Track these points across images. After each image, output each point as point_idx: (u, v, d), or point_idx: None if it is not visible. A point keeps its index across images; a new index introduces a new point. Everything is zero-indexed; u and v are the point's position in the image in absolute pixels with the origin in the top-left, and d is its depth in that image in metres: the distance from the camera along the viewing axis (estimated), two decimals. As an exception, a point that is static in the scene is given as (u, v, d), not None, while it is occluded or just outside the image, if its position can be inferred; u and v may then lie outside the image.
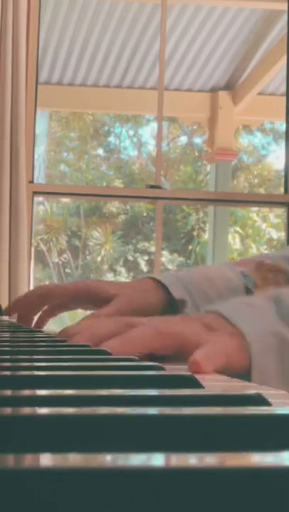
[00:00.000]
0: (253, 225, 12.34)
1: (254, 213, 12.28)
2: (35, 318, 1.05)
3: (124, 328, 0.68)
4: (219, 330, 0.68)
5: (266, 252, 11.57)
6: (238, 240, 12.16)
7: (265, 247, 12.07)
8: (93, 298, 0.96)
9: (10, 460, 0.20)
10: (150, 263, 11.55)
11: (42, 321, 1.04)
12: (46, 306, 1.03)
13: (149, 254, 11.81)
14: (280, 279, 0.96)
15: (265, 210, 11.91)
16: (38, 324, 1.03)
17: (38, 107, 4.29)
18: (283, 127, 4.71)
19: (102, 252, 12.01)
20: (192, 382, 0.39)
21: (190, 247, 12.16)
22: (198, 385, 0.39)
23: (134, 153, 12.91)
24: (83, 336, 0.69)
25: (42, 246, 11.88)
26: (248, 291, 0.95)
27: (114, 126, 12.79)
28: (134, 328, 0.67)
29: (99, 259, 12.09)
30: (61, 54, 6.44)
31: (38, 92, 4.19)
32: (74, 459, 0.21)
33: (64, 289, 1.00)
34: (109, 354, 0.55)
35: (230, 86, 7.04)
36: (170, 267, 12.00)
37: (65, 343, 0.66)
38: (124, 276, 12.03)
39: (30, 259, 4.09)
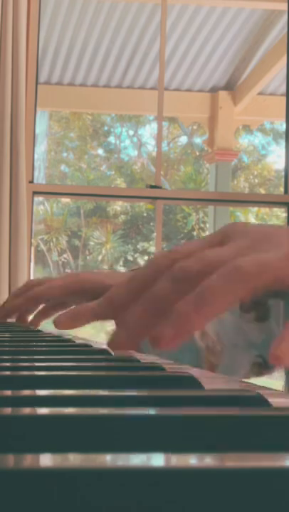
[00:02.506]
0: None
1: (254, 214, 12.28)
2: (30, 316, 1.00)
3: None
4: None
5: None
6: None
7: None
8: (89, 292, 0.90)
9: (10, 460, 0.20)
10: (150, 263, 11.54)
11: (37, 322, 0.99)
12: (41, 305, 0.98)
13: (149, 254, 11.81)
14: None
15: (265, 210, 11.91)
16: (32, 324, 0.98)
17: (38, 107, 4.29)
18: (283, 127, 4.71)
19: (103, 252, 12.02)
20: (192, 382, 0.39)
21: (190, 247, 12.15)
22: (198, 385, 0.39)
23: (134, 153, 12.91)
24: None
25: (42, 246, 11.88)
26: None
27: (114, 126, 12.79)
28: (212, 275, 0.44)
29: (99, 258, 12.09)
30: (61, 54, 6.44)
31: (38, 92, 4.19)
32: (74, 459, 0.21)
33: (58, 289, 0.93)
34: (110, 354, 0.54)
35: (230, 86, 7.04)
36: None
37: (65, 343, 0.66)
38: (124, 276, 12.03)
39: (30, 259, 4.09)
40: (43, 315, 0.98)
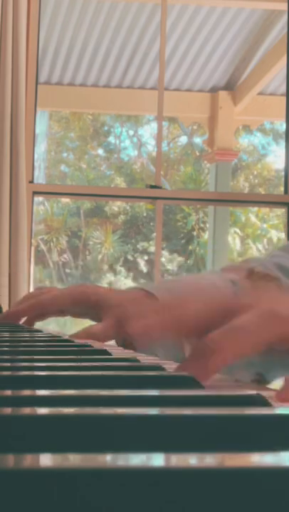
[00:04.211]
0: (253, 225, 12.35)
1: (254, 214, 12.29)
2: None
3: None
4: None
5: (266, 252, 11.57)
6: (238, 240, 12.16)
7: (266, 247, 12.07)
8: (93, 306, 0.89)
9: (10, 460, 0.20)
10: (150, 263, 11.56)
11: (30, 323, 0.97)
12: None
13: (149, 254, 11.81)
14: (271, 286, 0.94)
15: (265, 210, 11.91)
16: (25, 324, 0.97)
17: (38, 107, 4.29)
18: (283, 127, 4.71)
19: (103, 252, 12.02)
20: (192, 382, 0.39)
21: (190, 247, 12.17)
22: (198, 385, 0.39)
23: (134, 153, 12.91)
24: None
25: (42, 246, 11.88)
26: None
27: (114, 126, 12.80)
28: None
29: (99, 258, 12.09)
30: (61, 54, 6.44)
31: (38, 92, 4.20)
32: (74, 459, 0.21)
33: (64, 299, 0.92)
34: (110, 354, 0.55)
35: (230, 86, 7.04)
36: (170, 267, 12.01)
37: (65, 344, 0.66)
38: (124, 276, 12.03)
39: (30, 259, 4.09)
40: (37, 319, 0.96)
